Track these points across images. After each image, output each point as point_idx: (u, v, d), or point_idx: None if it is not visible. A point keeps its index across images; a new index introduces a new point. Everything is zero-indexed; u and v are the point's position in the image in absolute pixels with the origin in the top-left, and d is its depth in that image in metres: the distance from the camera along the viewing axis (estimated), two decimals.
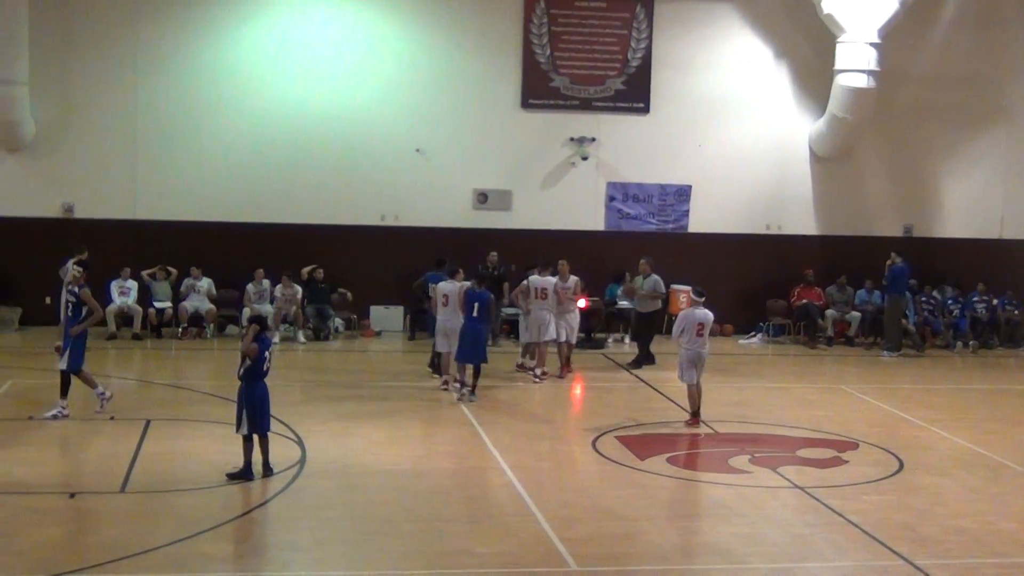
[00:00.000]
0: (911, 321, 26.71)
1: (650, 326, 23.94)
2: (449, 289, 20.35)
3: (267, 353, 14.72)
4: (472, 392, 19.68)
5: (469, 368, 19.81)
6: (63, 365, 17.40)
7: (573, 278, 22.27)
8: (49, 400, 17.44)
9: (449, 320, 20.24)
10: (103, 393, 17.73)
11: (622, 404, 20.34)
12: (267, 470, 14.73)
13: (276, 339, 24.73)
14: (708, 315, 18.68)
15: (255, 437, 14.66)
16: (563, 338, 22.12)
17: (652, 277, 23.70)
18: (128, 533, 12.58)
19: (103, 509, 13.48)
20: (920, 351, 26.42)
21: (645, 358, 23.54)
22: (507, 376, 22.04)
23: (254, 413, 14.57)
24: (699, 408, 18.55)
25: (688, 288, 26.49)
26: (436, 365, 21.35)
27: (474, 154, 27.00)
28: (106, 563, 11.64)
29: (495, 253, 25.57)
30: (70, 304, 17.63)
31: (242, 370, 14.64)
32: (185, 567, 11.76)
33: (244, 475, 14.51)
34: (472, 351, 19.75)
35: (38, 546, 12.16)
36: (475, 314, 19.75)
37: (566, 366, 22.24)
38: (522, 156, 27.17)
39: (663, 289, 23.89)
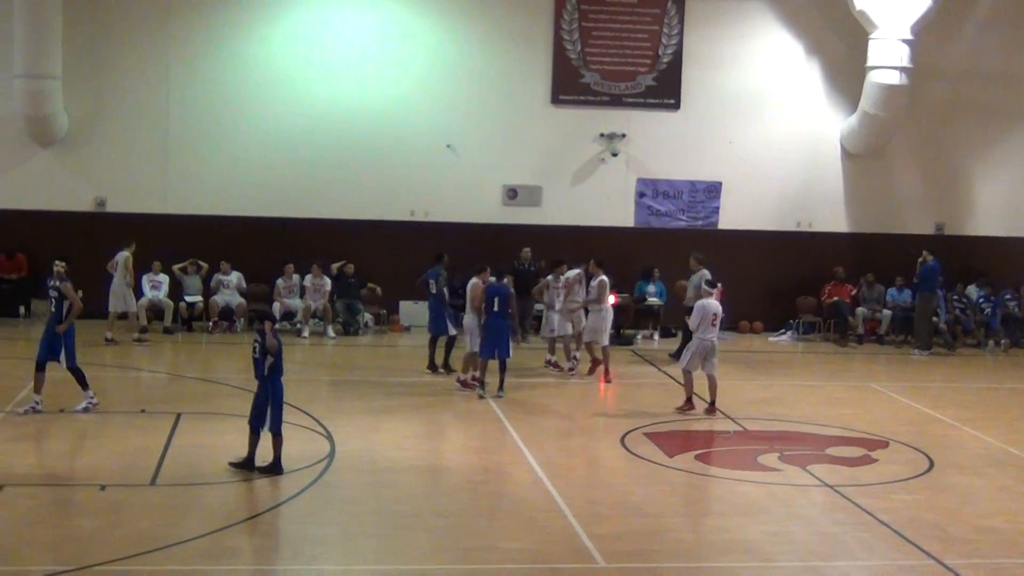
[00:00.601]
0: (942, 319, 26.55)
1: None
2: (469, 287, 20.26)
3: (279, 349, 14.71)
4: (499, 388, 19.66)
5: (492, 364, 19.74)
6: (63, 363, 17.32)
7: (602, 278, 21.74)
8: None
9: (470, 318, 20.23)
10: (37, 404, 17.32)
11: (651, 401, 20.29)
12: (251, 463, 14.70)
13: (306, 333, 24.90)
14: (719, 306, 19.12)
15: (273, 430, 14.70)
16: (586, 337, 21.83)
17: (701, 271, 23.73)
18: (158, 526, 12.65)
19: (134, 502, 13.54)
20: (951, 350, 26.28)
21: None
22: (536, 372, 22.04)
23: (277, 409, 14.59)
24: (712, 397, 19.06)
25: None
26: (434, 364, 21.51)
27: (504, 150, 27.02)
28: (136, 555, 11.71)
29: (528, 249, 25.54)
30: (53, 299, 17.43)
31: (266, 368, 14.62)
32: (214, 560, 11.82)
33: (274, 469, 14.58)
34: (494, 347, 19.67)
35: (69, 538, 12.25)
36: (496, 309, 19.68)
37: (599, 365, 21.89)
38: (552, 152, 27.16)
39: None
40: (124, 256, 23.69)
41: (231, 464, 14.65)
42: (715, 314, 18.90)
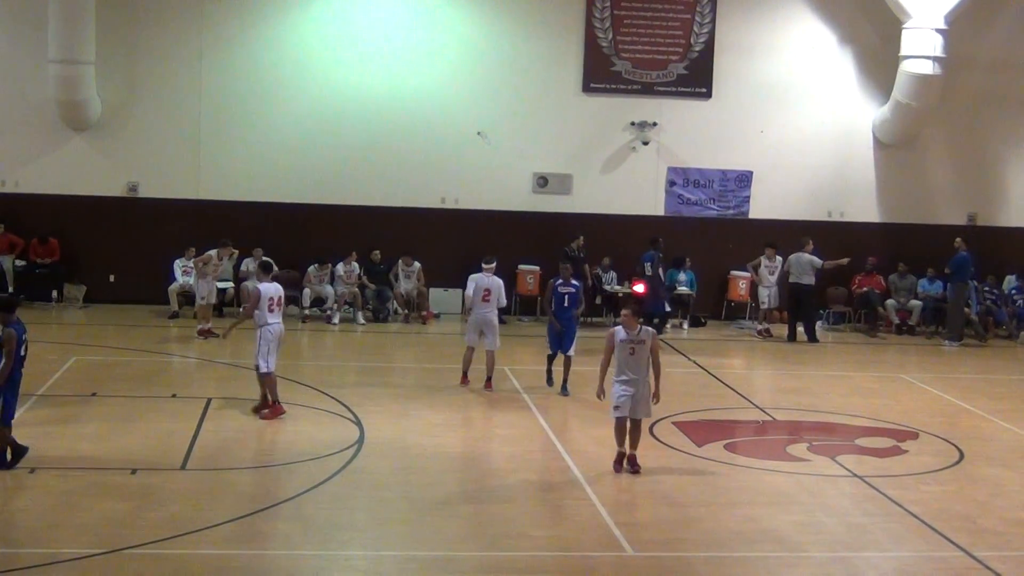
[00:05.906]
0: (974, 310, 26.42)
1: (808, 301, 25.71)
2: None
3: (24, 336, 13.98)
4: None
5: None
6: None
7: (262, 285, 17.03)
8: (111, 376, 17.59)
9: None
10: None
11: (680, 390, 20.24)
12: (2, 461, 13.92)
13: (336, 320, 24.99)
14: (497, 281, 19.31)
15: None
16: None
17: (798, 255, 25.54)
18: (188, 510, 12.73)
19: (164, 485, 13.62)
20: (982, 340, 26.15)
21: (810, 335, 25.44)
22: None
23: (10, 398, 13.97)
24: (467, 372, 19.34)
25: (747, 275, 26.55)
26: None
27: (535, 138, 26.99)
28: (167, 539, 11.80)
29: (581, 237, 25.54)
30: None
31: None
32: (244, 544, 11.89)
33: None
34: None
35: (101, 521, 12.32)
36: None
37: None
38: (583, 140, 27.13)
39: (818, 264, 25.46)
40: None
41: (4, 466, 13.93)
42: (487, 289, 19.08)
